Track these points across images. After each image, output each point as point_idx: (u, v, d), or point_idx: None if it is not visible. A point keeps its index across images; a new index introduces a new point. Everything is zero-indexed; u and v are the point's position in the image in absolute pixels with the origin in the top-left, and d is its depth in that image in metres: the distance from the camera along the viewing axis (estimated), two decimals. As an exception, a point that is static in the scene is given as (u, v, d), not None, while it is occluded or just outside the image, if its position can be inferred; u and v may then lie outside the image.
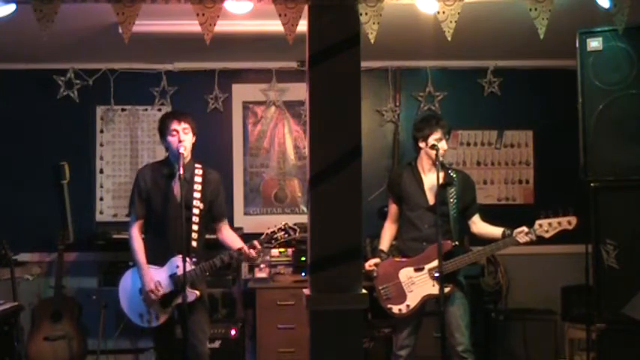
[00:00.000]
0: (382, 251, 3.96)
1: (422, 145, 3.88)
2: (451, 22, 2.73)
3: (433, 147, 3.76)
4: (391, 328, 4.22)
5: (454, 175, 3.87)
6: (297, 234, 3.71)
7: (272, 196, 5.45)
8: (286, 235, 3.67)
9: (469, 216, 3.94)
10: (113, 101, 5.35)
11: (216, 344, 4.59)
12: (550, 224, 3.66)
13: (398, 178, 3.99)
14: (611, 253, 3.53)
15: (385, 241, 4.02)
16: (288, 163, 5.46)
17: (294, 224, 5.01)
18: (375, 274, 3.84)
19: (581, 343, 4.53)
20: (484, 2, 3.64)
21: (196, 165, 3.77)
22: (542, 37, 2.73)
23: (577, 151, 3.65)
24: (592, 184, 3.59)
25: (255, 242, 3.63)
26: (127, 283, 3.74)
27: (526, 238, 3.69)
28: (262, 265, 4.99)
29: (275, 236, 3.66)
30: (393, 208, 4.03)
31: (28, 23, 2.77)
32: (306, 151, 2.86)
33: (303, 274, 4.84)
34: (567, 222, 3.64)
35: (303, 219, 4.96)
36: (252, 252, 3.62)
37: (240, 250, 3.64)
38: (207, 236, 3.85)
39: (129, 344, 5.19)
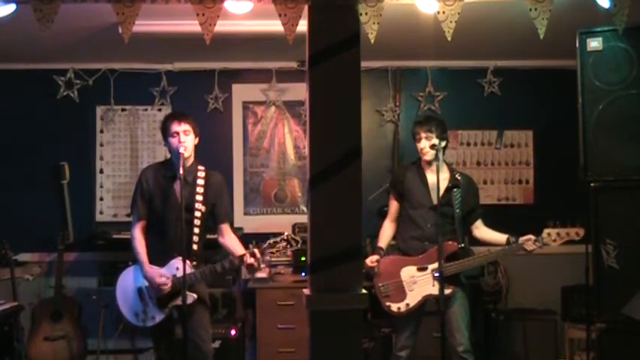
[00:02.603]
0: (381, 248, 3.95)
1: (416, 144, 3.90)
2: (451, 22, 2.73)
3: (433, 146, 3.76)
4: (391, 328, 4.22)
5: (459, 178, 3.87)
6: (299, 245, 3.69)
7: (272, 196, 5.45)
8: (288, 246, 3.67)
9: (472, 221, 3.93)
10: (113, 101, 5.35)
11: (216, 344, 4.58)
12: (558, 234, 3.67)
13: (402, 176, 3.98)
14: (611, 253, 3.53)
15: (384, 239, 4.01)
16: (288, 163, 5.46)
17: (294, 224, 5.07)
18: (375, 271, 3.83)
19: (581, 343, 4.53)
20: (484, 2, 3.64)
21: (199, 167, 3.77)
22: (542, 37, 2.74)
23: (577, 151, 3.65)
24: (592, 184, 3.59)
25: (256, 250, 3.62)
26: (125, 281, 3.74)
27: (533, 247, 3.70)
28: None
29: (277, 246, 3.65)
30: (393, 206, 4.02)
31: (28, 23, 2.77)
32: (306, 151, 2.86)
33: (303, 274, 4.84)
34: (575, 233, 3.66)
35: (303, 219, 5.00)
36: (253, 261, 3.61)
37: (241, 257, 3.63)
38: (207, 236, 3.85)
39: (129, 344, 5.18)
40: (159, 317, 3.64)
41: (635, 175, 3.52)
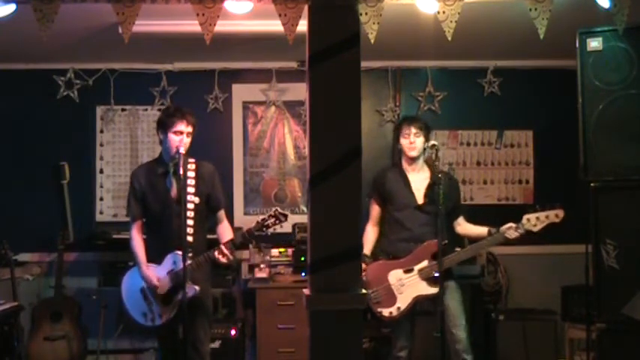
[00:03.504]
0: (366, 255, 3.94)
1: (401, 141, 3.91)
2: (451, 22, 2.73)
3: (433, 146, 3.75)
4: (391, 328, 4.21)
5: (440, 176, 3.86)
6: (287, 220, 3.69)
7: (272, 196, 5.45)
8: (277, 222, 3.63)
9: (454, 217, 3.94)
10: (113, 101, 5.35)
11: (216, 344, 4.59)
12: (538, 218, 3.67)
13: (382, 179, 3.99)
14: (611, 253, 3.53)
15: (368, 244, 4.00)
16: (288, 163, 5.46)
17: (294, 224, 5.07)
18: (363, 279, 3.82)
19: (581, 343, 4.53)
20: (484, 2, 3.64)
21: (189, 160, 3.76)
22: (542, 37, 2.73)
23: (577, 151, 3.65)
24: (592, 184, 3.58)
25: (223, 247, 3.58)
26: (128, 283, 3.75)
27: (515, 234, 3.69)
28: (262, 265, 4.99)
29: (266, 223, 3.62)
30: (375, 210, 4.02)
31: (28, 23, 2.76)
32: (306, 151, 2.86)
33: (303, 274, 4.84)
34: (555, 215, 3.66)
35: (303, 219, 5.00)
36: (221, 257, 3.58)
37: (215, 249, 3.60)
38: (209, 236, 3.85)
39: (129, 344, 5.19)
40: (166, 314, 3.63)
41: (635, 175, 3.52)
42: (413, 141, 3.85)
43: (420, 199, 3.82)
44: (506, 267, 5.16)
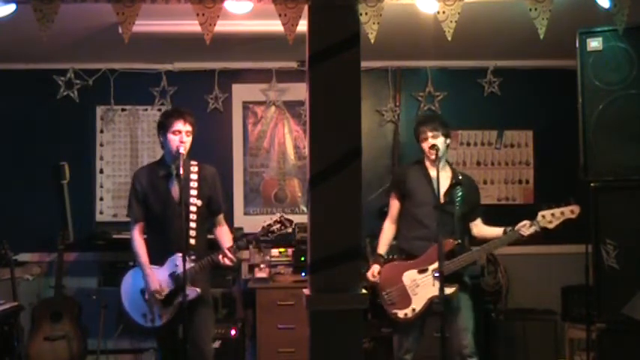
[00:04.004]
0: (381, 256, 3.89)
1: (421, 145, 3.88)
2: (451, 22, 2.73)
3: (433, 147, 3.75)
4: (392, 328, 4.20)
5: (461, 177, 3.85)
6: (293, 225, 3.68)
7: (272, 196, 5.45)
8: (282, 227, 3.63)
9: (472, 219, 3.91)
10: (113, 101, 5.36)
11: (216, 344, 4.58)
12: (553, 215, 3.62)
13: (403, 177, 3.93)
14: (611, 253, 3.53)
15: (384, 243, 3.94)
16: (288, 163, 5.46)
17: (294, 224, 5.06)
18: (377, 281, 3.80)
19: (581, 343, 4.53)
20: (484, 2, 3.64)
21: (192, 162, 3.76)
22: (542, 37, 2.73)
23: (577, 151, 3.65)
24: (592, 184, 3.59)
25: (227, 251, 3.60)
26: (128, 284, 3.74)
27: (530, 230, 3.65)
28: (262, 265, 4.99)
29: (271, 229, 3.62)
30: (395, 207, 3.94)
31: (28, 23, 2.76)
32: (306, 151, 2.86)
33: (303, 274, 4.85)
34: (570, 211, 3.61)
35: (303, 219, 4.98)
36: (226, 260, 3.60)
37: (219, 253, 3.61)
38: (208, 236, 3.85)
39: (129, 344, 5.19)
40: (166, 315, 3.63)
41: (635, 175, 3.52)
42: (431, 145, 3.80)
43: (440, 197, 3.79)
44: (506, 267, 5.16)
